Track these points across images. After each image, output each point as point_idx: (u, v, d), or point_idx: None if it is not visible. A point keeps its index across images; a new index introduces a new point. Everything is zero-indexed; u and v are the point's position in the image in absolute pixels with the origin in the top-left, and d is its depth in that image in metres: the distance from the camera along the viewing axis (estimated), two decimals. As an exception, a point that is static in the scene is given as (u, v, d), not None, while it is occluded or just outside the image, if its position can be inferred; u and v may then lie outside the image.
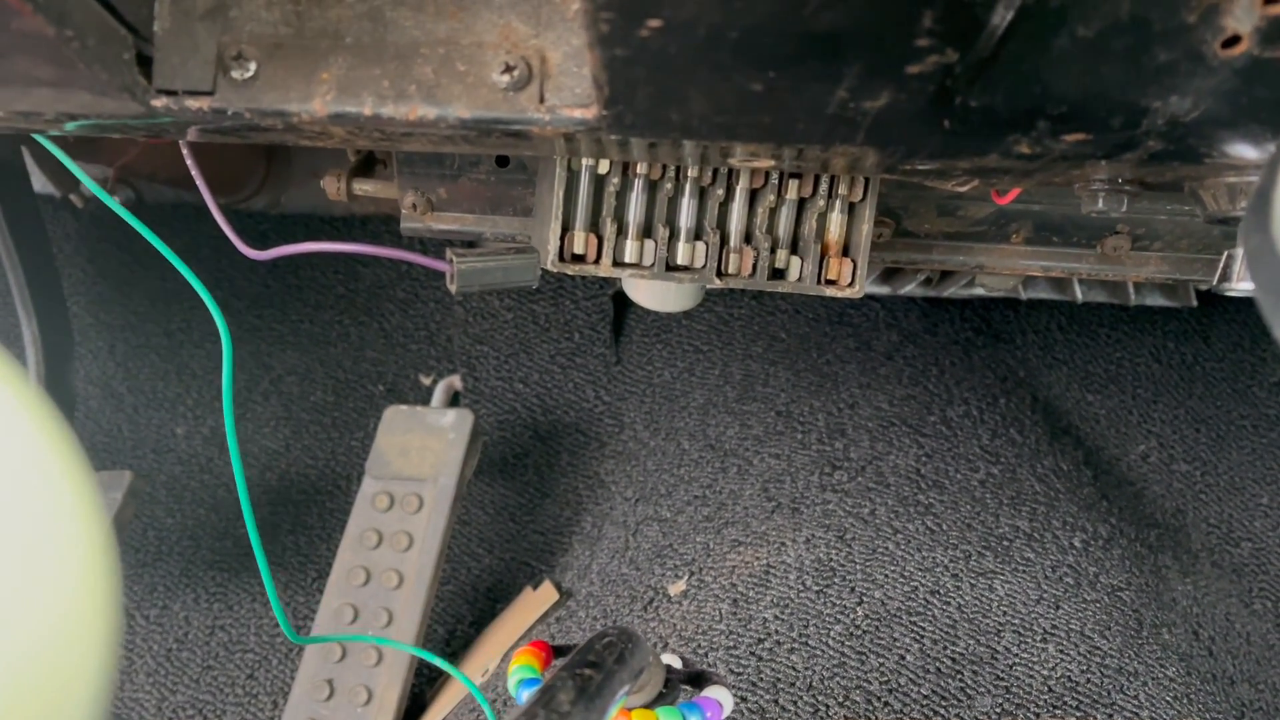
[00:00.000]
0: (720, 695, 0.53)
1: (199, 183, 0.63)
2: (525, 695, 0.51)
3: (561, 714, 0.39)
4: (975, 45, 0.37)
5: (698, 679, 0.55)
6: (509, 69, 0.45)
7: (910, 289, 1.09)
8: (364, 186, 0.80)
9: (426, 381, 1.28)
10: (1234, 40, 0.37)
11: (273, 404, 1.27)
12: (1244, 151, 0.44)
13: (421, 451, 1.08)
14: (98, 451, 1.26)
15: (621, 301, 1.27)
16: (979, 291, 1.08)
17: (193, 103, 0.45)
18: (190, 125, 0.48)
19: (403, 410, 1.11)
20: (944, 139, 0.45)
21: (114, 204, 0.64)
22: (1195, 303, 1.13)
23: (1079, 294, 1.09)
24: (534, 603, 1.07)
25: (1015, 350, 1.25)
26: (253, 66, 0.45)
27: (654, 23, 0.36)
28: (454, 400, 1.26)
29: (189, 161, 0.63)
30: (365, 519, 1.05)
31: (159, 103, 0.45)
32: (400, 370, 1.29)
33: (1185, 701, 0.84)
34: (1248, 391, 1.24)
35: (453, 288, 0.60)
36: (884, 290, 1.11)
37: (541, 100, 0.45)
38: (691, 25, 0.36)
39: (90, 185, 0.64)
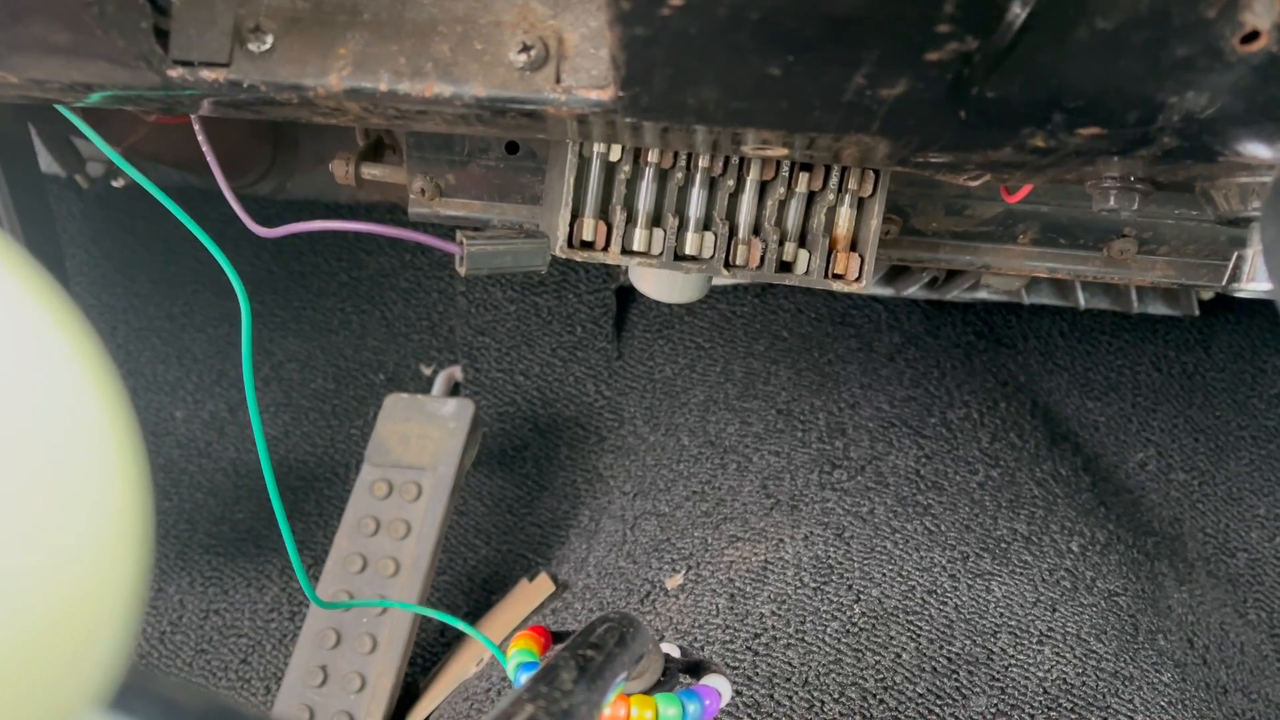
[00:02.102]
0: (719, 684, 0.53)
1: (210, 160, 0.63)
2: (524, 678, 0.51)
3: (564, 692, 0.39)
4: (995, 34, 0.37)
5: (697, 668, 0.55)
6: (526, 49, 0.45)
7: (914, 291, 1.09)
8: (372, 171, 0.80)
9: (427, 371, 1.28)
10: (1253, 36, 0.37)
11: (273, 390, 1.27)
12: (1258, 151, 0.45)
13: (421, 440, 1.08)
14: (96, 433, 1.25)
15: (624, 296, 1.27)
16: (982, 295, 1.09)
17: (208, 74, 0.45)
18: (205, 97, 0.48)
19: (403, 398, 1.10)
20: (958, 130, 0.45)
21: (147, 183, 0.64)
22: (1197, 312, 1.13)
23: (1081, 300, 1.09)
24: (530, 594, 1.07)
25: (1016, 355, 1.25)
26: (270, 39, 0.45)
27: (676, 1, 0.36)
28: (454, 391, 1.26)
29: (200, 138, 0.63)
30: (363, 506, 1.05)
31: (175, 73, 0.45)
32: (401, 359, 1.29)
33: (1179, 708, 0.84)
34: (1247, 403, 1.24)
35: (462, 270, 0.60)
36: (887, 292, 1.11)
37: (558, 81, 0.45)
38: (713, 5, 0.36)
39: (123, 165, 0.64)
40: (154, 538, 1.18)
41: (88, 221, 1.32)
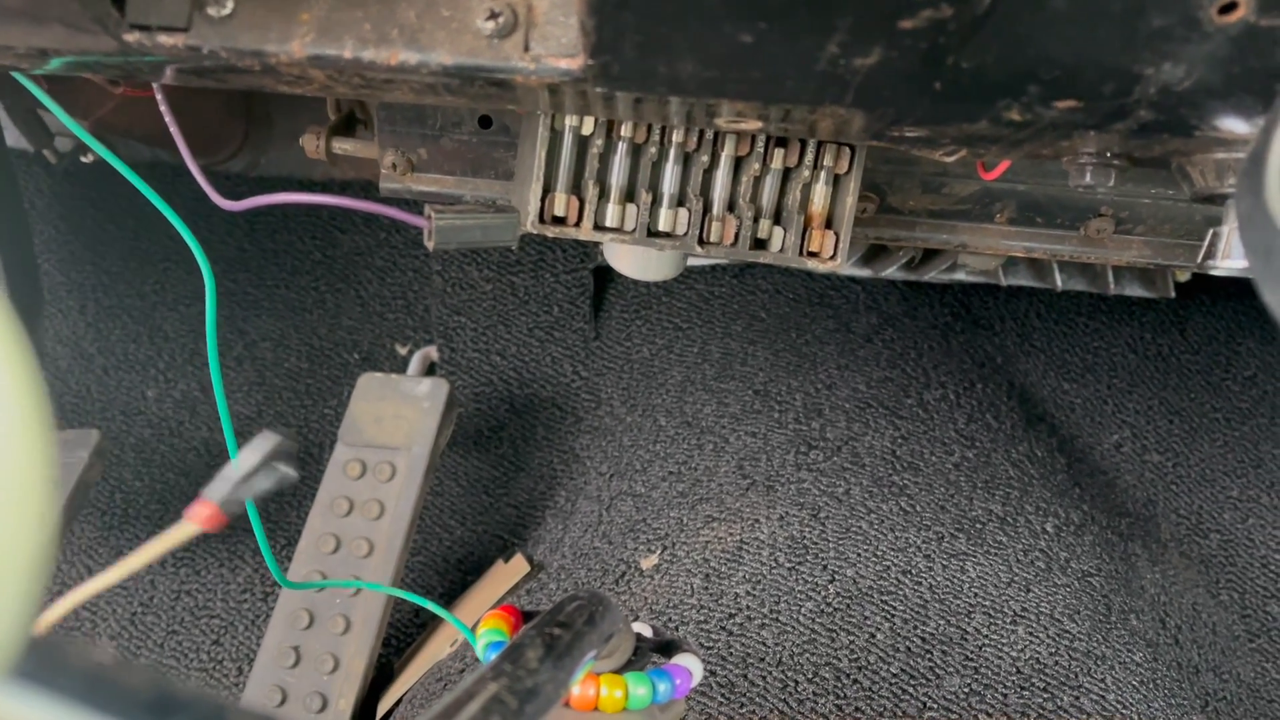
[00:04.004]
0: (690, 663, 0.52)
1: (174, 131, 0.62)
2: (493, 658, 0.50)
3: (529, 671, 0.38)
4: (970, 1, 0.37)
5: (668, 647, 0.55)
6: (494, 15, 0.44)
7: (891, 271, 1.09)
8: (344, 145, 0.79)
9: (403, 351, 1.27)
10: (1231, 6, 0.37)
11: (246, 369, 1.26)
12: (1234, 125, 0.44)
13: (396, 420, 1.07)
14: (66, 412, 1.24)
15: (602, 276, 1.26)
16: (960, 276, 1.08)
17: (166, 39, 0.44)
18: (164, 64, 0.47)
19: (378, 378, 1.09)
20: (934, 102, 0.44)
21: (112, 157, 0.62)
22: (1173, 294, 1.13)
23: (1059, 281, 1.09)
24: (505, 575, 1.06)
25: (993, 337, 1.25)
26: (230, 4, 0.44)
27: (644, -36, 0.35)
28: (430, 371, 1.25)
29: (163, 109, 0.62)
30: (336, 486, 1.04)
31: (132, 38, 0.44)
32: (376, 339, 1.28)
33: (1150, 687, 0.85)
34: (1221, 385, 1.25)
35: (430, 244, 0.59)
36: (865, 272, 1.11)
37: (526, 49, 0.44)
38: (682, -32, 0.35)
39: (88, 139, 0.62)
40: (124, 519, 1.17)
41: (56, 197, 1.30)
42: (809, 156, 0.63)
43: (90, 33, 0.44)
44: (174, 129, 0.62)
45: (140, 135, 1.15)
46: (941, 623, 0.84)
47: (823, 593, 0.86)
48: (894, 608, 0.85)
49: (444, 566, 1.13)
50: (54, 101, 0.64)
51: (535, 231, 0.62)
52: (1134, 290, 1.13)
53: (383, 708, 0.98)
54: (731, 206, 0.65)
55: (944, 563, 0.90)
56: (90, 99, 1.05)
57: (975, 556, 0.91)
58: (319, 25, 0.45)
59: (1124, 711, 0.79)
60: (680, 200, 0.64)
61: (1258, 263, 0.31)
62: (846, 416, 1.07)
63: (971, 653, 0.82)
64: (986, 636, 0.84)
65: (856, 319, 1.21)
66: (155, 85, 0.60)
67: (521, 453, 1.20)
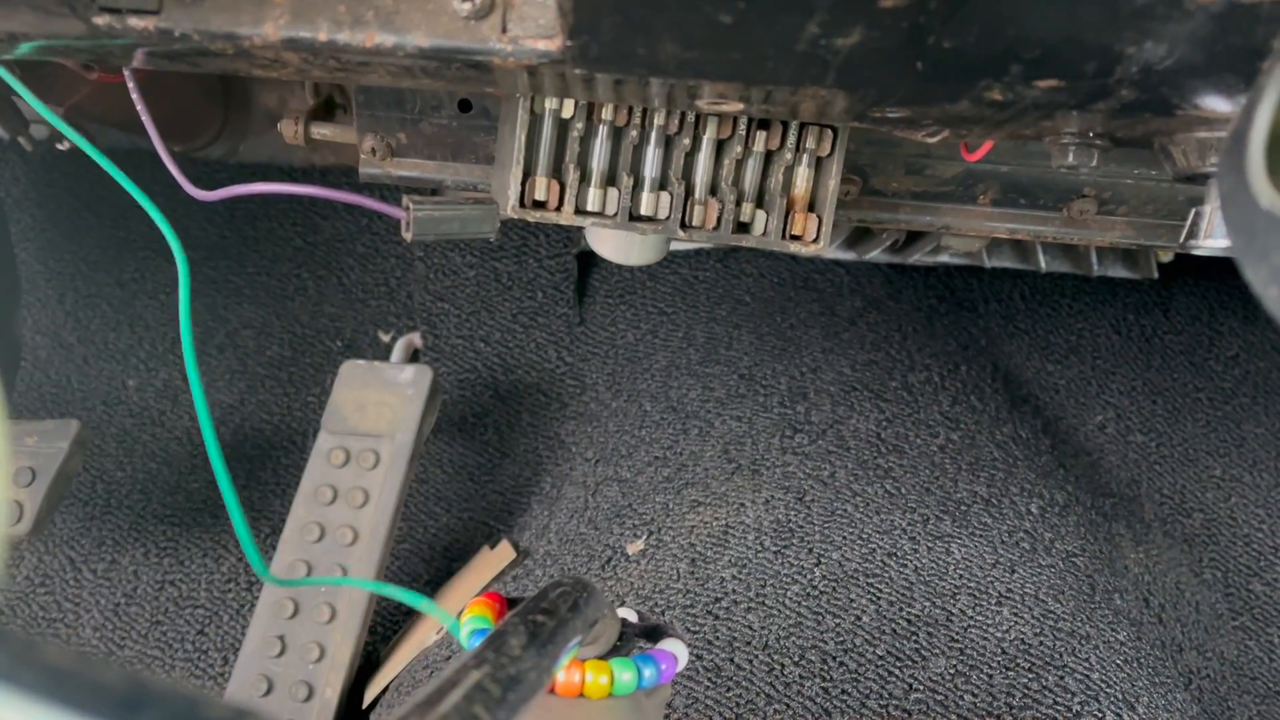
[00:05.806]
0: (675, 648, 0.52)
1: (145, 118, 0.61)
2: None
3: (512, 658, 0.38)
4: (951, -21, 0.36)
5: (653, 632, 0.54)
6: (470, -4, 0.43)
7: (875, 254, 1.09)
8: (322, 130, 0.78)
9: (386, 338, 1.26)
10: (1212, -16, 0.37)
11: (228, 358, 1.25)
12: (1215, 103, 0.44)
13: (379, 407, 1.06)
14: (46, 402, 1.23)
15: (585, 261, 1.26)
16: (944, 258, 1.08)
17: (137, 22, 0.43)
18: (136, 47, 0.46)
19: (360, 365, 1.09)
20: (915, 82, 0.44)
21: (85, 144, 0.61)
22: (1156, 275, 1.13)
23: (1042, 263, 1.09)
24: (491, 562, 1.06)
25: (978, 319, 1.26)
26: (202, -14, 0.44)
27: (621, -57, 0.35)
28: (414, 358, 1.25)
29: (134, 96, 0.61)
30: (320, 474, 1.04)
31: (101, 21, 0.43)
32: (359, 326, 1.27)
33: (1135, 665, 0.85)
34: (1204, 365, 1.25)
35: (407, 235, 0.58)
36: (849, 255, 1.11)
37: (504, 30, 0.44)
38: (660, -53, 0.35)
39: (61, 126, 0.61)
40: (106, 509, 1.16)
41: (33, 185, 1.28)
42: (791, 139, 0.63)
43: (60, 16, 0.43)
44: (145, 116, 0.61)
45: (116, 122, 1.14)
46: (927, 604, 0.85)
47: (808, 576, 0.87)
48: (880, 590, 0.85)
49: (429, 554, 1.13)
50: (28, 89, 0.63)
51: (516, 216, 0.61)
52: (1117, 271, 1.13)
53: (369, 696, 0.98)
54: (714, 190, 0.64)
55: (929, 545, 0.90)
56: (64, 85, 1.03)
57: (960, 538, 0.91)
58: (292, 7, 0.44)
59: (1108, 690, 0.80)
60: (662, 184, 0.63)
61: (1240, 240, 0.30)
62: (831, 400, 1.07)
63: (957, 634, 0.82)
64: (972, 618, 0.84)
65: (841, 302, 1.21)
66: (126, 71, 0.59)
67: (506, 439, 1.19)
